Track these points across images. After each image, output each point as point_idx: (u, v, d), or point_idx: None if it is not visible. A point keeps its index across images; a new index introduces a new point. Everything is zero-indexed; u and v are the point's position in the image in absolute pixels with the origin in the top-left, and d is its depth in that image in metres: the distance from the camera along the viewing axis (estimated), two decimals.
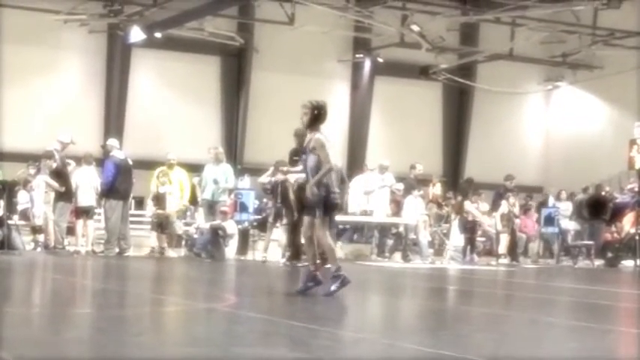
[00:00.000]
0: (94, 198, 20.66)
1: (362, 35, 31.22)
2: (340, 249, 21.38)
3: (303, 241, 12.02)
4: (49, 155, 20.23)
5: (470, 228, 23.25)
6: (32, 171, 21.65)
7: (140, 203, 22.80)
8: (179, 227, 21.43)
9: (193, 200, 23.24)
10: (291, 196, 18.84)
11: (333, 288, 11.35)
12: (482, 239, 24.28)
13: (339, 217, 21.98)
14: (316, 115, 11.47)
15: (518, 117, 34.88)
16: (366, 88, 32.34)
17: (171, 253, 20.86)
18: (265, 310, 10.60)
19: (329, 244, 11.59)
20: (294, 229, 19.23)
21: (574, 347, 8.20)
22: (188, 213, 24.24)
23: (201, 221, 21.34)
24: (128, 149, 23.05)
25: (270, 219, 20.02)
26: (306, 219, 11.54)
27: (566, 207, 26.19)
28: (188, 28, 27.83)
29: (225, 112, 30.60)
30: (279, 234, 20.36)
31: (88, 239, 20.60)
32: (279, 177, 19.00)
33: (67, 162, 20.64)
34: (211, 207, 20.98)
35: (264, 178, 20.95)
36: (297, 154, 17.88)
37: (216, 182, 20.82)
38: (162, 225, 20.78)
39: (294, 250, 19.06)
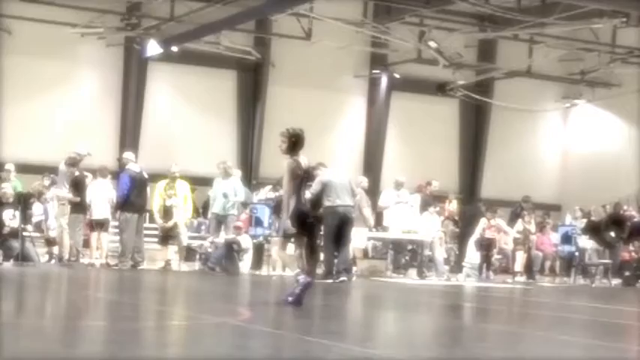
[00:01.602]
0: (108, 211, 20.64)
1: (379, 51, 31.18)
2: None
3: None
4: (73, 162, 20.10)
5: (486, 245, 23.15)
6: (47, 182, 21.64)
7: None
8: (185, 239, 21.31)
9: (207, 214, 23.19)
10: None
11: (297, 291, 11.72)
12: (499, 257, 24.18)
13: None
14: (294, 142, 12.13)
15: (535, 134, 34.74)
16: (382, 103, 32.27)
17: (182, 266, 20.73)
18: (279, 324, 10.54)
19: (287, 257, 12.60)
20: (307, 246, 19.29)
21: None
22: (203, 227, 24.19)
23: (215, 235, 21.30)
24: (143, 162, 23.01)
25: (274, 234, 20.04)
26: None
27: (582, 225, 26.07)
28: (205, 42, 27.83)
29: (241, 127, 30.57)
30: (291, 249, 20.36)
31: (103, 252, 20.56)
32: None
33: (85, 174, 20.60)
34: (220, 221, 20.97)
35: (263, 195, 21.18)
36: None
37: (225, 196, 20.83)
38: (168, 238, 20.73)
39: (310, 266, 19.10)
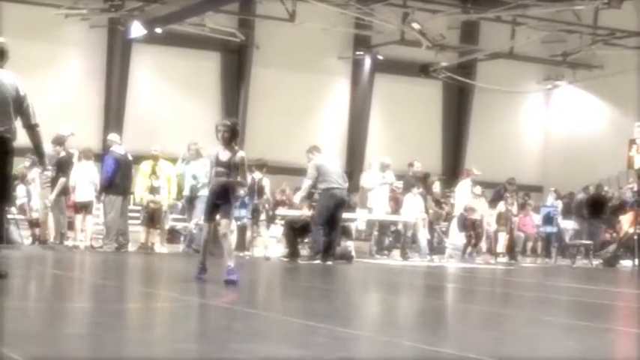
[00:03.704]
0: (92, 193, 20.62)
1: (362, 32, 31.21)
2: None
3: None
4: (60, 141, 20.01)
5: (469, 226, 23.26)
6: (27, 163, 21.59)
7: None
8: (168, 221, 21.31)
9: None
10: (267, 195, 20.11)
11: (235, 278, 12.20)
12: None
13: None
14: (236, 133, 12.78)
15: (517, 116, 34.88)
16: (366, 85, 32.33)
17: (162, 248, 20.68)
18: (263, 306, 10.60)
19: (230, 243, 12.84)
20: (290, 227, 19.49)
21: (572, 346, 8.19)
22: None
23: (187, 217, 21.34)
24: (127, 144, 22.99)
25: (249, 215, 20.10)
26: (226, 221, 12.41)
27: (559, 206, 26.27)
28: (189, 23, 27.82)
29: (225, 108, 30.58)
30: (277, 230, 20.45)
31: (87, 234, 20.56)
32: (257, 175, 19.55)
33: (71, 151, 20.53)
34: (190, 202, 20.99)
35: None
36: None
37: (195, 177, 20.81)
38: (153, 219, 20.71)
39: (292, 248, 19.32)
